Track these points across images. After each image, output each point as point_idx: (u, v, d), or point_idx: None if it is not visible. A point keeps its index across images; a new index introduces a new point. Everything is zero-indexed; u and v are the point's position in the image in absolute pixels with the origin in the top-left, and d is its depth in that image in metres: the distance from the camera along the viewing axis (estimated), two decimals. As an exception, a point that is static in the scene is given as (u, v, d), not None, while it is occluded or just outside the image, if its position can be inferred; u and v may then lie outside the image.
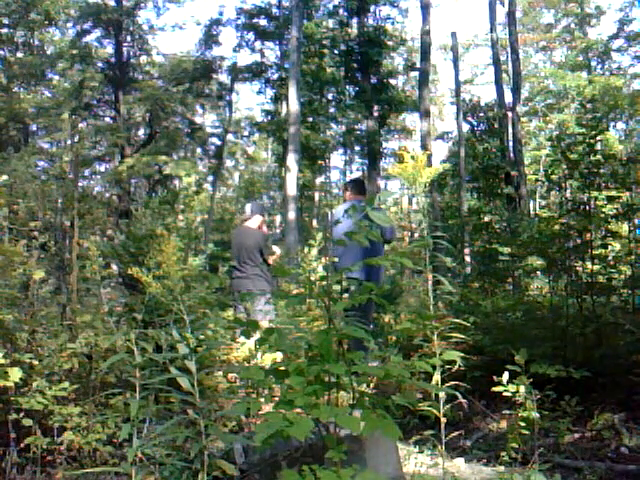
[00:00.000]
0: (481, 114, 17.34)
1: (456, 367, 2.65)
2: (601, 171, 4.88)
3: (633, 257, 4.71)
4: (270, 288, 5.97)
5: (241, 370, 2.37)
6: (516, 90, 16.76)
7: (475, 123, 17.65)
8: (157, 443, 2.23)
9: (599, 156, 4.89)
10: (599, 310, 4.73)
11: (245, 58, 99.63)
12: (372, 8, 21.69)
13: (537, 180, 15.76)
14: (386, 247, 6.15)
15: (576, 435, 3.65)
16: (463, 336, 2.74)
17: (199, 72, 21.88)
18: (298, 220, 13.84)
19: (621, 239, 5.01)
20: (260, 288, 5.84)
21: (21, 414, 2.96)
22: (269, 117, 23.25)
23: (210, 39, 22.68)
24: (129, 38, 21.80)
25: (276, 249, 6.31)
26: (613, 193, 4.81)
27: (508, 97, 17.59)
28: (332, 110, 22.62)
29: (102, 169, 25.60)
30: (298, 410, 1.81)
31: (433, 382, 2.49)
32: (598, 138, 4.88)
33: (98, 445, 3.02)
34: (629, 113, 23.68)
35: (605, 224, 4.86)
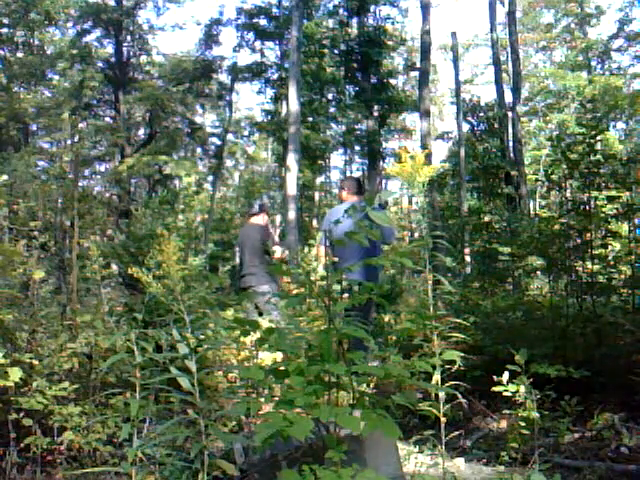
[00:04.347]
0: (481, 114, 17.34)
1: (456, 367, 2.65)
2: (601, 171, 4.87)
3: (633, 257, 4.71)
4: (275, 284, 5.99)
5: (241, 370, 2.37)
6: (516, 90, 16.76)
7: (475, 123, 17.65)
8: (157, 443, 2.23)
9: (599, 156, 4.89)
10: (599, 310, 4.73)
11: (245, 58, 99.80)
12: (372, 8, 21.71)
13: (537, 180, 15.76)
14: (385, 247, 6.14)
15: (576, 435, 3.65)
16: (463, 336, 2.74)
17: (199, 72, 21.88)
18: (298, 220, 13.84)
19: (621, 239, 5.01)
20: (264, 284, 5.86)
21: (21, 414, 2.96)
22: (269, 117, 23.24)
23: (210, 39, 22.67)
24: (129, 38, 21.81)
25: (278, 250, 6.30)
26: (613, 193, 4.81)
27: (508, 97, 17.61)
28: (332, 110, 22.62)
29: (102, 169, 25.63)
30: (298, 410, 1.81)
31: (433, 382, 2.49)
32: (598, 138, 4.87)
33: (98, 445, 3.02)
34: (629, 113, 23.66)
35: (605, 224, 4.86)
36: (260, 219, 6.25)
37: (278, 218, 26.78)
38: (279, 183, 25.94)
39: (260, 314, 5.66)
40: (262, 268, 5.95)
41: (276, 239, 6.35)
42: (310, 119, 21.01)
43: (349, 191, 5.22)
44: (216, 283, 7.55)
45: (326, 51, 21.55)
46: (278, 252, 6.17)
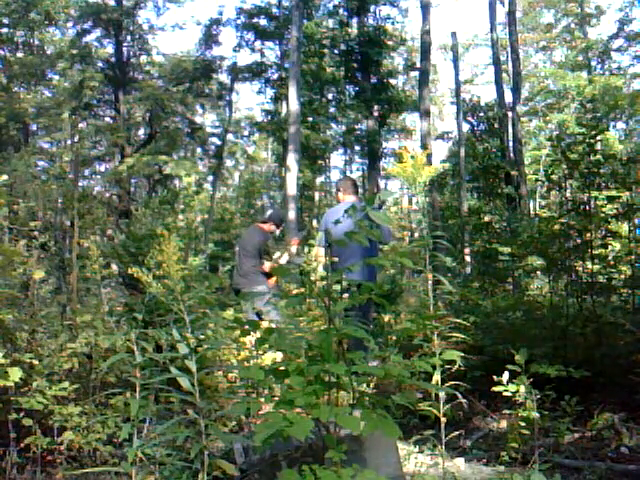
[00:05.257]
0: (481, 114, 17.35)
1: (456, 367, 2.65)
2: (601, 171, 4.87)
3: (633, 257, 4.71)
4: (267, 286, 5.99)
5: (241, 370, 2.37)
6: (516, 90, 16.76)
7: (475, 123, 17.66)
8: (157, 443, 2.23)
9: (599, 156, 4.89)
10: (599, 310, 4.73)
11: (245, 58, 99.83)
12: (372, 8, 21.71)
13: (537, 180, 15.74)
14: (385, 247, 6.14)
15: (576, 435, 3.65)
16: (463, 336, 2.74)
17: (199, 72, 21.88)
18: (298, 220, 13.84)
19: (621, 239, 5.01)
20: (259, 285, 5.89)
21: (21, 414, 2.96)
22: (269, 117, 23.25)
23: (210, 39, 22.67)
24: (129, 38, 21.80)
25: (282, 258, 6.31)
26: (613, 193, 4.81)
27: (508, 97, 17.61)
28: (332, 110, 22.62)
29: (102, 169, 25.62)
30: (298, 410, 1.81)
31: (433, 382, 2.49)
32: (598, 138, 4.88)
33: (98, 445, 3.02)
34: (629, 113, 23.65)
35: (605, 224, 4.86)
36: (265, 227, 6.31)
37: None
38: (279, 183, 25.94)
39: (258, 315, 5.67)
40: (257, 270, 5.99)
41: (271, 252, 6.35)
42: (310, 119, 21.00)
43: (345, 192, 5.25)
44: (216, 283, 7.54)
45: (326, 51, 21.55)
46: (277, 254, 6.21)
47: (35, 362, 3.15)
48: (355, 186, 5.40)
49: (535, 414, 3.09)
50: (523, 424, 3.15)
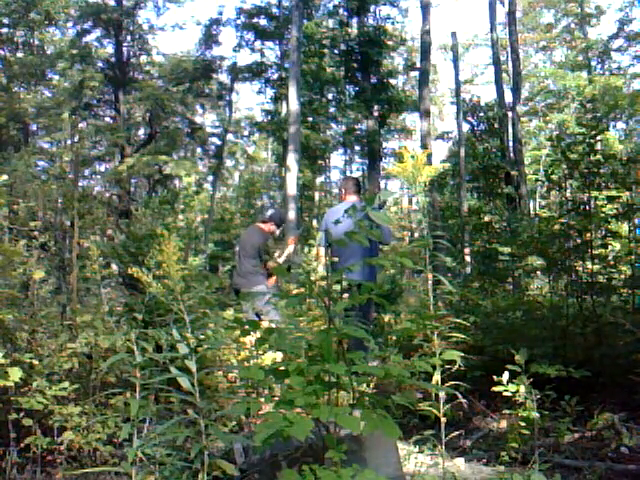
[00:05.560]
0: (481, 114, 17.34)
1: (456, 367, 2.65)
2: (601, 171, 4.87)
3: (633, 257, 4.71)
4: (266, 286, 6.01)
5: (241, 370, 2.37)
6: (516, 90, 16.75)
7: (475, 123, 17.65)
8: (157, 443, 2.23)
9: (599, 156, 4.89)
10: (599, 310, 4.73)
11: (245, 58, 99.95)
12: (372, 8, 21.72)
13: (537, 180, 15.75)
14: (385, 247, 6.14)
15: (576, 435, 3.65)
16: (463, 336, 2.74)
17: (199, 72, 21.87)
18: (298, 220, 13.83)
19: (621, 239, 5.01)
20: (258, 285, 5.90)
21: (21, 414, 2.96)
22: (269, 117, 23.24)
23: (210, 39, 22.67)
24: (129, 38, 21.79)
25: (281, 257, 6.35)
26: (613, 193, 4.81)
27: (508, 97, 17.61)
28: (332, 110, 22.62)
29: (102, 169, 25.61)
30: (298, 410, 1.81)
31: (433, 382, 2.49)
32: (598, 138, 4.88)
33: (98, 445, 3.02)
34: (629, 113, 23.66)
35: (605, 224, 4.86)
36: (265, 227, 6.33)
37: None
38: (279, 183, 25.94)
39: (257, 315, 5.67)
40: (256, 270, 6.00)
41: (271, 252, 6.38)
42: (310, 119, 21.00)
43: (347, 191, 5.25)
44: (216, 283, 7.55)
45: (326, 51, 21.55)
46: (277, 254, 6.24)
47: (35, 362, 3.14)
48: (357, 186, 5.38)
49: (535, 414, 3.09)
50: (523, 424, 3.15)
